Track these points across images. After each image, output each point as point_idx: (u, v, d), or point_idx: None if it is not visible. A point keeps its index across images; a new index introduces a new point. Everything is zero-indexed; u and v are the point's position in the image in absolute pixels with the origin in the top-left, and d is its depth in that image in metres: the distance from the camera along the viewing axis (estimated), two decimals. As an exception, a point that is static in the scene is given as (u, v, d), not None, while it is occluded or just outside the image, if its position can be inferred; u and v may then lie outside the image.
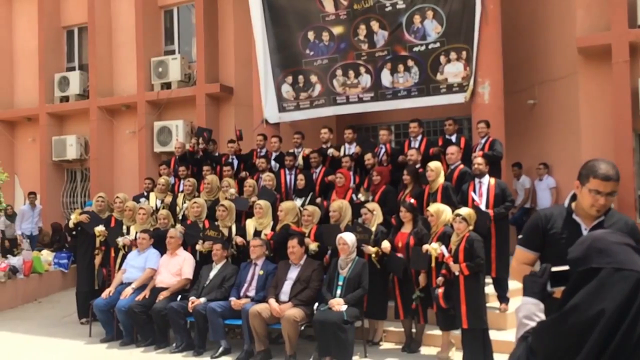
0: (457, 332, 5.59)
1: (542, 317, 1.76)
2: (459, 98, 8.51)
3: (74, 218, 7.83)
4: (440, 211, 5.84)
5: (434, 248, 5.56)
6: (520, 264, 2.74)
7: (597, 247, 1.59)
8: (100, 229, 7.61)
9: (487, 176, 6.51)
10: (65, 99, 13.01)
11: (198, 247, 7.05)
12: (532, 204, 9.48)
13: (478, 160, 6.52)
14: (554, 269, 1.77)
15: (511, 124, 8.80)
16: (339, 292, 5.82)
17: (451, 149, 7.05)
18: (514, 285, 6.30)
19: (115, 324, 6.91)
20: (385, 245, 5.95)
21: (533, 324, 1.74)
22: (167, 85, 11.79)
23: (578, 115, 8.64)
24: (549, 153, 9.32)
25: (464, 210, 5.54)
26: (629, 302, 1.47)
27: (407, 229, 6.05)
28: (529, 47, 9.55)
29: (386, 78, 9.10)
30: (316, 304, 5.94)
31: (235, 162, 8.96)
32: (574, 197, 2.63)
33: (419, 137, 7.99)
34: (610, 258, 1.55)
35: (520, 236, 2.83)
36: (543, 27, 9.44)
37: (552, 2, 9.31)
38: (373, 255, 6.00)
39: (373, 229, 6.19)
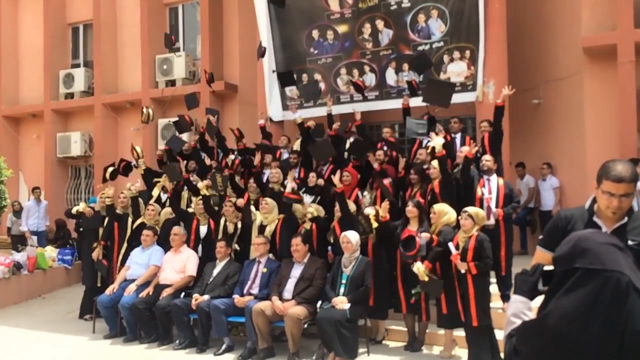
0: (459, 332, 5.61)
1: (530, 315, 1.75)
2: (466, 97, 8.51)
3: (81, 207, 7.95)
4: (443, 212, 5.84)
5: (419, 269, 5.47)
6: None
7: (582, 247, 1.57)
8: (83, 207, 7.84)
9: (495, 175, 6.53)
10: (70, 95, 13.06)
11: (200, 184, 7.24)
12: (536, 204, 9.47)
13: (486, 157, 6.55)
14: (546, 267, 1.75)
15: (516, 124, 8.79)
16: (342, 290, 5.83)
17: (465, 149, 7.07)
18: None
19: (119, 320, 6.93)
20: (384, 213, 5.96)
21: (520, 322, 1.73)
22: (172, 83, 11.82)
23: (583, 115, 8.62)
24: (553, 153, 9.31)
25: (472, 208, 5.56)
26: (612, 302, 1.46)
27: (413, 227, 6.05)
28: (534, 47, 9.53)
29: (391, 77, 9.10)
30: (319, 302, 5.95)
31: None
32: (595, 199, 2.58)
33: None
34: (593, 258, 1.53)
35: (540, 237, 2.81)
36: (548, 26, 9.42)
37: (558, 1, 9.29)
38: (372, 215, 5.97)
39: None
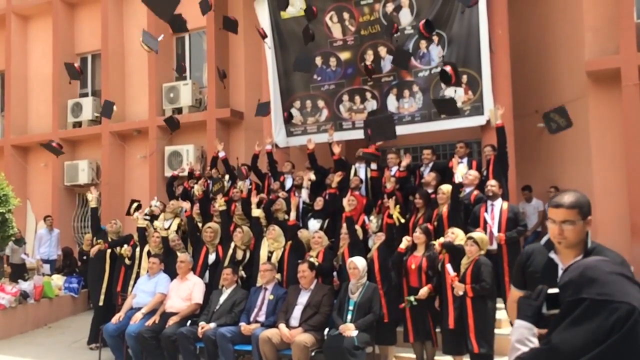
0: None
1: (535, 341, 1.70)
2: (469, 122, 8.54)
3: (140, 218, 8.04)
4: (454, 234, 5.84)
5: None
6: (512, 302, 2.61)
7: (588, 277, 1.52)
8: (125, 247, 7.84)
9: (499, 199, 6.52)
10: (78, 124, 13.18)
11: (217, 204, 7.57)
12: (544, 228, 9.40)
13: (492, 183, 6.56)
14: (550, 291, 1.71)
15: (521, 148, 8.79)
16: (349, 317, 5.79)
17: (474, 173, 7.09)
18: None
19: (125, 349, 6.87)
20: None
21: (525, 348, 1.68)
22: (179, 111, 11.92)
23: (588, 138, 8.62)
24: (559, 177, 9.28)
25: (477, 234, 5.55)
26: (620, 334, 1.42)
27: (419, 252, 6.04)
28: (538, 71, 9.58)
29: (392, 103, 9.14)
30: (327, 330, 5.90)
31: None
32: None
33: (430, 164, 7.99)
34: (602, 289, 1.48)
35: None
36: (551, 50, 9.48)
37: (561, 25, 9.37)
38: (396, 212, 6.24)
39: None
